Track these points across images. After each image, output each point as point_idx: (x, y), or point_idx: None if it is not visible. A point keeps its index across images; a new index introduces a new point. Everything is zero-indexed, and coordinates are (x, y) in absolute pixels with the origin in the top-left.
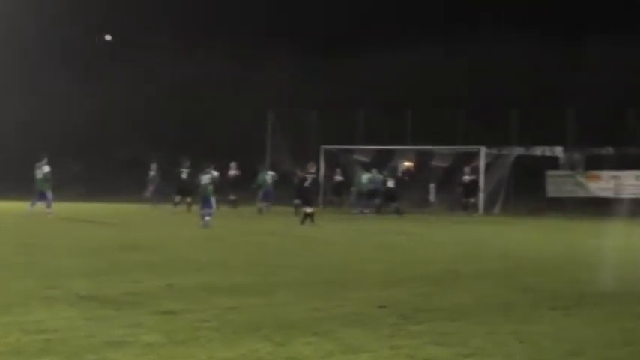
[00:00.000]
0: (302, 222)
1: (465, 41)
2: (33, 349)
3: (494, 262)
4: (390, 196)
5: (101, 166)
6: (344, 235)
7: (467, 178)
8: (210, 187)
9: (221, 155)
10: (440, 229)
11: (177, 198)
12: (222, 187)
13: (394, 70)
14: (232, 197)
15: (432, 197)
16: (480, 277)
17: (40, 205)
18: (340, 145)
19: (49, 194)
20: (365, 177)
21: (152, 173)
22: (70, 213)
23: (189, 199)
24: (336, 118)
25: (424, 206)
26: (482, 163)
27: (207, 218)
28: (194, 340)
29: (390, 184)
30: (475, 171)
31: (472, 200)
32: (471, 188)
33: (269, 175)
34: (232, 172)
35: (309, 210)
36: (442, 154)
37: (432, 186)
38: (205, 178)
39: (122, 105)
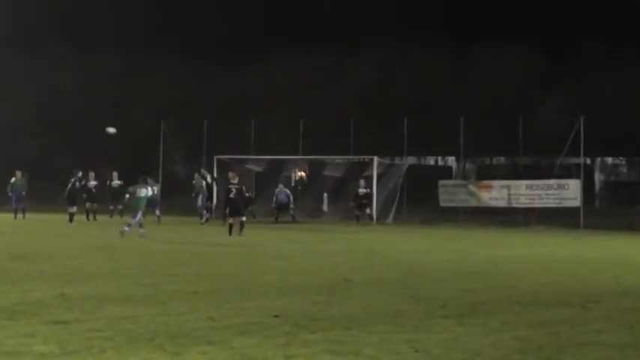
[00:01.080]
0: (241, 232)
1: (357, 50)
2: None
3: (388, 271)
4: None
5: None
6: (238, 245)
7: (362, 190)
8: (145, 201)
9: (115, 164)
10: (333, 239)
11: (73, 208)
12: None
13: (285, 79)
14: (120, 206)
15: (325, 207)
16: (374, 286)
17: None
18: (233, 154)
19: None
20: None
21: (14, 179)
22: None
23: (74, 208)
24: (228, 127)
25: (317, 216)
26: (374, 173)
27: (126, 229)
28: (87, 350)
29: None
30: (368, 180)
31: (368, 211)
32: (366, 200)
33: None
34: (116, 182)
35: (243, 219)
36: (335, 163)
37: (325, 195)
38: (142, 192)
39: (13, 111)
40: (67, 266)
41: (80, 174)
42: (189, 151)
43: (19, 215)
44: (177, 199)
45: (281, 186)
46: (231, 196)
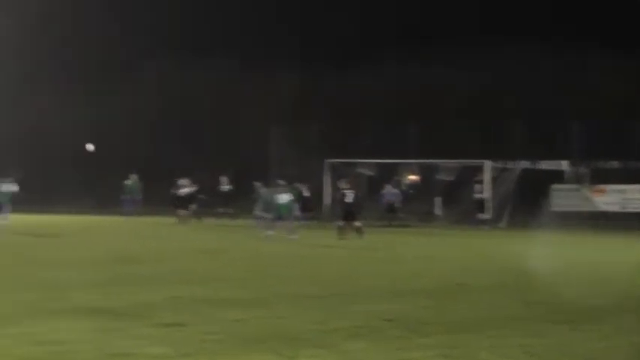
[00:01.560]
0: (361, 236)
1: (469, 54)
2: None
3: (500, 276)
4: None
5: (102, 179)
6: (347, 248)
7: (478, 195)
8: (289, 206)
9: (224, 169)
10: (445, 243)
11: (190, 208)
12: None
13: (397, 82)
14: (230, 210)
15: (437, 210)
16: (486, 291)
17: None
18: (345, 158)
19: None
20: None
21: (129, 182)
22: (76, 225)
23: (184, 211)
24: (339, 131)
25: (429, 219)
26: (487, 177)
27: (270, 232)
28: (200, 353)
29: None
30: (483, 184)
31: (487, 216)
32: (483, 204)
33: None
34: (225, 187)
35: (358, 224)
36: (447, 167)
37: (437, 199)
38: (283, 197)
39: (124, 118)
40: (179, 269)
41: (181, 181)
42: (301, 155)
43: (132, 218)
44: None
45: (389, 187)
46: (347, 200)
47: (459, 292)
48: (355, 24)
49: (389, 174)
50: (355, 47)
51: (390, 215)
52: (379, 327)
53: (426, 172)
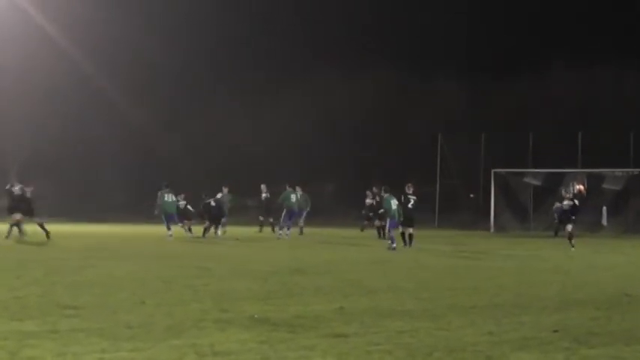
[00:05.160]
0: (411, 244)
1: (636, 62)
2: None
3: None
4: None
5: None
6: (514, 259)
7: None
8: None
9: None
10: (613, 252)
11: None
12: None
13: (563, 92)
14: None
15: (604, 220)
16: None
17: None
18: (510, 168)
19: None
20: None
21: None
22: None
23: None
24: (505, 140)
25: (596, 229)
26: None
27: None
28: None
29: None
30: None
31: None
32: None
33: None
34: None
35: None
36: (614, 176)
37: (604, 209)
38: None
39: (285, 133)
40: (346, 280)
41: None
42: (466, 165)
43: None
44: (453, 212)
45: (557, 203)
46: (410, 206)
47: (628, 303)
48: (521, 34)
49: (556, 184)
50: (521, 57)
51: (558, 226)
52: (547, 338)
53: (592, 181)
